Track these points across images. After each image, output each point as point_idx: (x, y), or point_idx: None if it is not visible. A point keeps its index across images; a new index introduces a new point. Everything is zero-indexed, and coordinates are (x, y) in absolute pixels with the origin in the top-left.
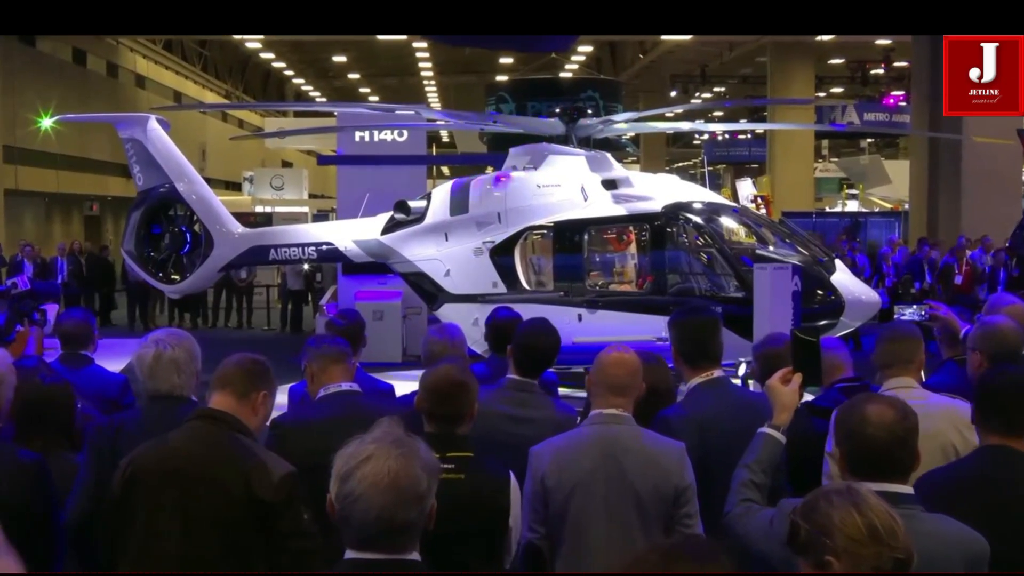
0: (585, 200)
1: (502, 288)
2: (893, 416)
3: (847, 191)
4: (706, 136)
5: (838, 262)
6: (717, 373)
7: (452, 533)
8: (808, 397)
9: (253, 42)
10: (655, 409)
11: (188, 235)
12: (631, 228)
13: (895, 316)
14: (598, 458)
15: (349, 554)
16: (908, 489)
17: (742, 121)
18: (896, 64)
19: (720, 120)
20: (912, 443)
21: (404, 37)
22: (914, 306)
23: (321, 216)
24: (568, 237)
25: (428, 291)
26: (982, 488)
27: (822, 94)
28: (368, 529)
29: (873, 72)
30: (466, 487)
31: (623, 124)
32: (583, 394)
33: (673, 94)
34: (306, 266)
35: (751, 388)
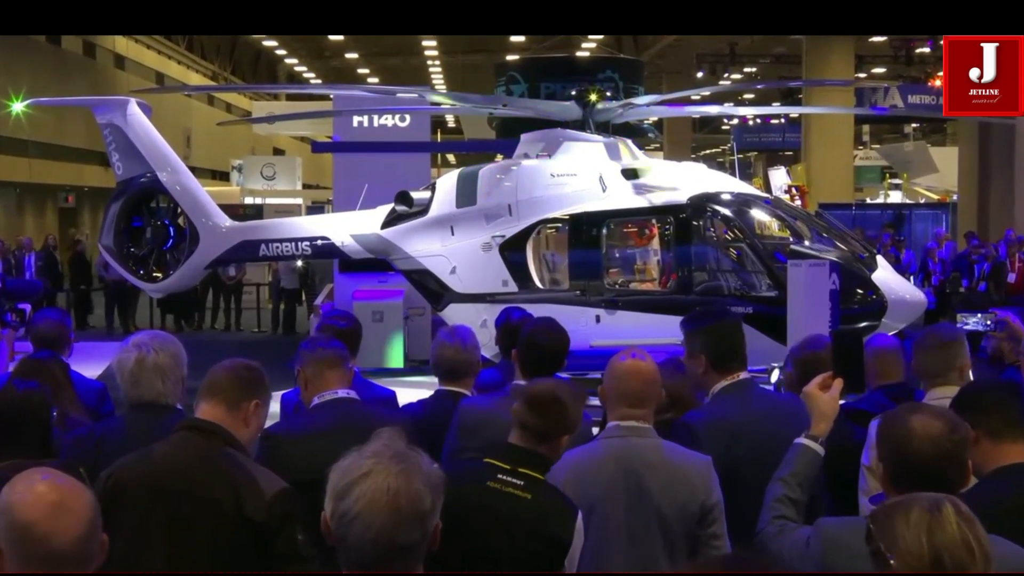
0: (603, 191)
1: (513, 287)
2: (941, 429)
3: (890, 181)
4: (736, 121)
5: (880, 258)
6: (743, 375)
7: (502, 555)
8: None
9: None
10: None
11: (171, 229)
12: (654, 221)
13: (958, 324)
14: (617, 475)
15: None
16: None
17: (775, 104)
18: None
19: (751, 103)
20: (961, 458)
21: None
22: (979, 315)
23: (316, 208)
24: (585, 231)
25: (432, 290)
26: None
27: (862, 75)
28: (366, 551)
29: (918, 51)
30: (530, 508)
31: (645, 107)
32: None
33: (700, 75)
34: (299, 263)
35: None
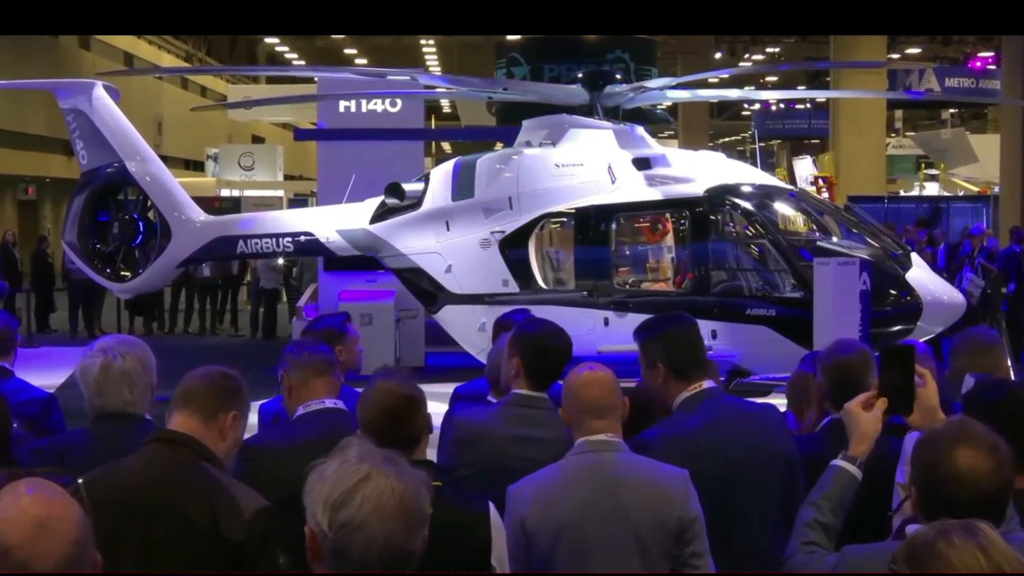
0: (613, 182)
1: (514, 287)
2: (989, 468)
3: (925, 171)
4: (757, 106)
5: (915, 256)
6: (707, 384)
7: None
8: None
9: None
10: None
11: (141, 224)
12: (667, 216)
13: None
14: (588, 493)
15: None
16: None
17: (800, 88)
18: None
19: (774, 87)
20: (1008, 493)
21: None
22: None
23: (299, 201)
24: (592, 226)
25: (426, 290)
26: None
27: (896, 56)
28: (371, 562)
29: None
30: (437, 522)
31: (658, 91)
32: None
33: (718, 56)
34: (281, 261)
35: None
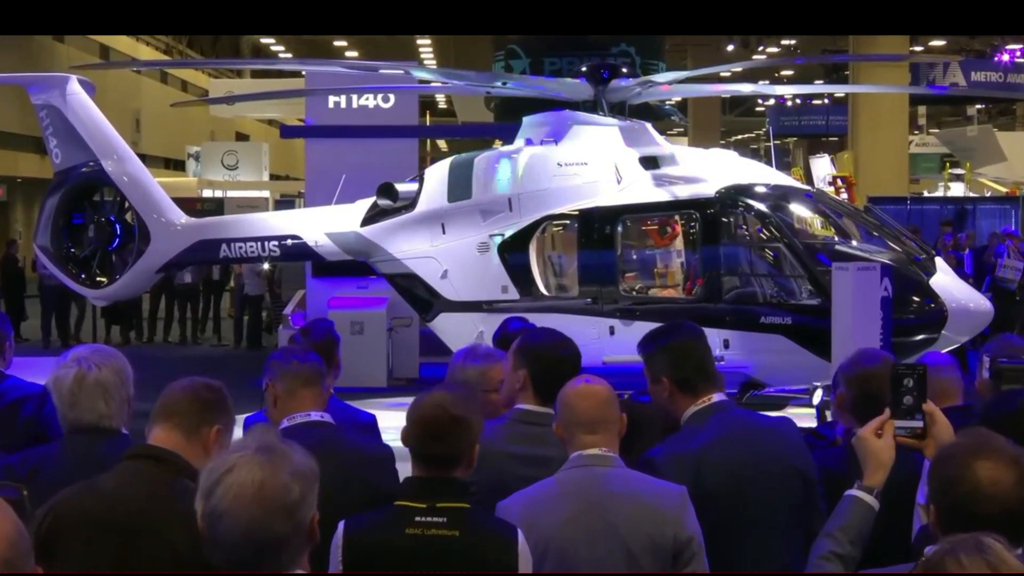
0: (619, 182)
1: (514, 293)
2: (1011, 481)
3: (950, 171)
4: (772, 101)
5: (939, 261)
6: (716, 397)
7: None
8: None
9: None
10: None
11: (118, 227)
12: (677, 218)
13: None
14: (578, 508)
15: None
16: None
17: (817, 82)
18: None
19: (789, 81)
20: None
21: None
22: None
23: (286, 203)
24: (597, 229)
25: (420, 297)
26: None
27: (919, 48)
28: (238, 546)
29: None
30: (460, 546)
31: (666, 86)
32: None
33: (730, 48)
34: (266, 265)
35: (828, 419)
